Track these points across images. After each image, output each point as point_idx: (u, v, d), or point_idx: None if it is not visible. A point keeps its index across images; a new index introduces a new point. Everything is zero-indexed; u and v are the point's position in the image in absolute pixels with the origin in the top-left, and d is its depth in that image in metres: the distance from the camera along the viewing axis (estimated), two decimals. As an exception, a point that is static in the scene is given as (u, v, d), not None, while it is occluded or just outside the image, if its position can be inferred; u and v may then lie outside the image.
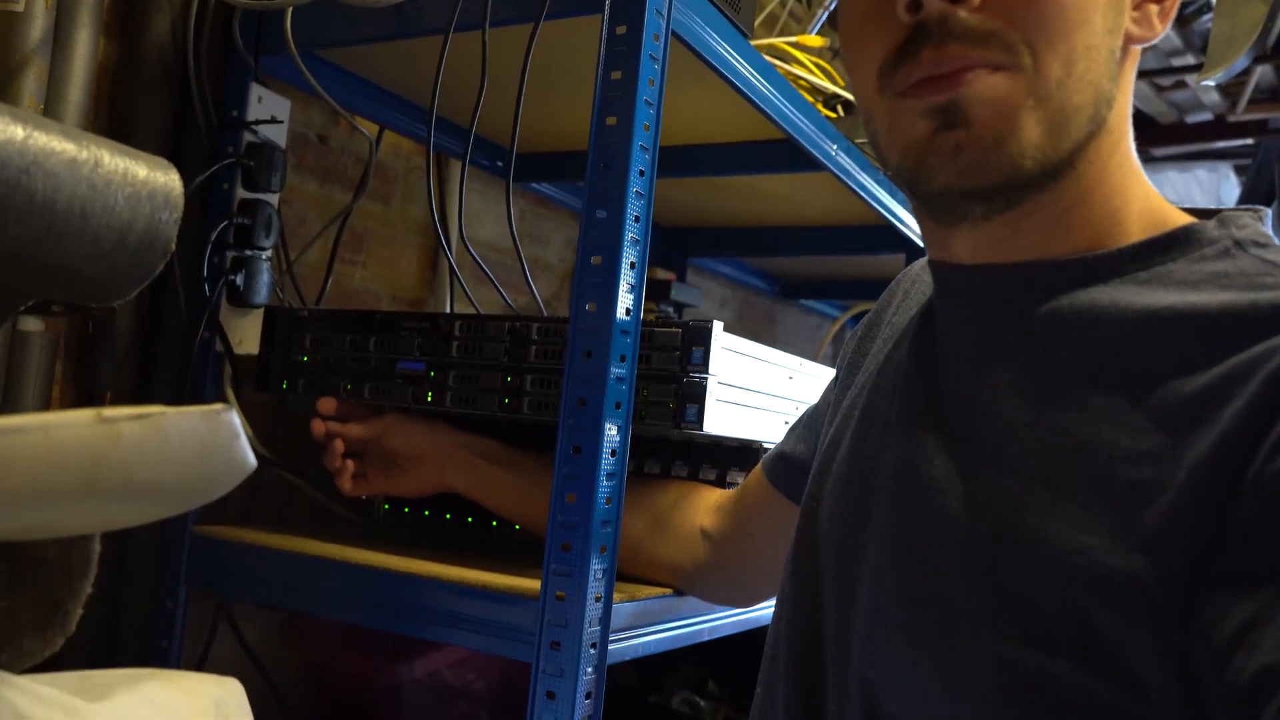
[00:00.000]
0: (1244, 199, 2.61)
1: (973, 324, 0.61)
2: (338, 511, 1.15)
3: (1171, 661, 0.46)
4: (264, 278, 1.03)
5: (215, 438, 0.49)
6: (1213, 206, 0.57)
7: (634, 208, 0.80)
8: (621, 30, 0.81)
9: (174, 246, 0.56)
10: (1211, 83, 1.46)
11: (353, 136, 1.28)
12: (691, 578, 0.89)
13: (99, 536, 0.52)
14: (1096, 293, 0.55)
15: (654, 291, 1.76)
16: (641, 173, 0.81)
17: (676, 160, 1.34)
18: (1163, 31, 0.58)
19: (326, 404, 0.98)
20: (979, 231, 0.59)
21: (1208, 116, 2.46)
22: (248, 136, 1.02)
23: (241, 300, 1.02)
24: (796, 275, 2.18)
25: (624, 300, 0.79)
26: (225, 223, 0.99)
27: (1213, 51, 1.38)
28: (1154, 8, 0.58)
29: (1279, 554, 0.44)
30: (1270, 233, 0.57)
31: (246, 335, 1.05)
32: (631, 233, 0.80)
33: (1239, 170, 2.80)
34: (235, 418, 0.50)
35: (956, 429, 0.58)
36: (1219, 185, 2.82)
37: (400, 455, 0.97)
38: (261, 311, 1.05)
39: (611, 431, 0.78)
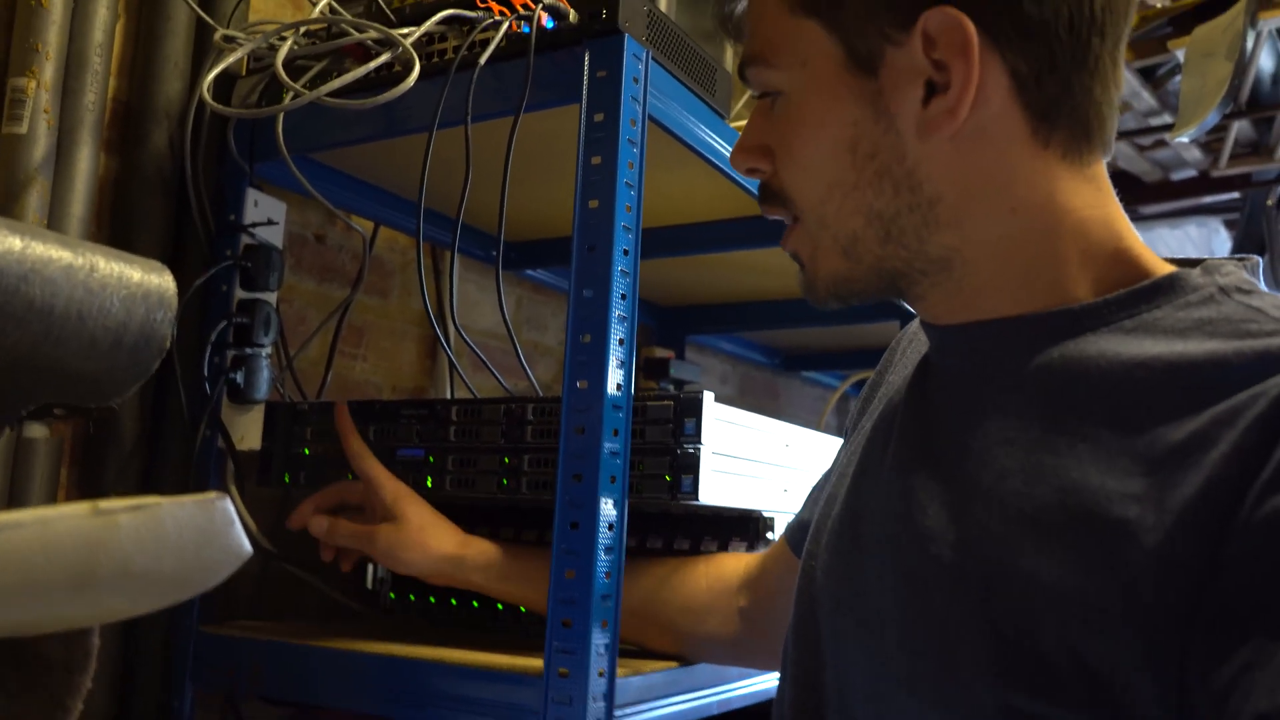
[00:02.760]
0: (1235, 252, 2.63)
1: (966, 376, 0.62)
2: (344, 603, 1.16)
3: (1171, 704, 0.46)
4: (264, 374, 1.05)
5: (211, 525, 0.51)
6: (1245, 273, 0.58)
7: (620, 286, 0.82)
8: (599, 118, 0.84)
9: (169, 345, 0.58)
10: (1185, 139, 1.50)
11: (349, 235, 1.31)
12: (737, 651, 0.91)
13: (98, 630, 0.53)
14: (1085, 343, 0.56)
15: (653, 370, 1.77)
16: (626, 252, 0.83)
17: (666, 240, 1.37)
18: (959, 118, 0.56)
19: (342, 411, 0.97)
20: (933, 302, 0.63)
21: (1192, 173, 2.49)
22: (245, 239, 1.06)
23: (242, 397, 1.04)
24: (796, 347, 2.19)
25: (614, 376, 0.80)
26: (225, 323, 1.02)
27: (1184, 109, 1.42)
28: (939, 102, 0.56)
29: (1269, 598, 0.44)
30: (1256, 280, 0.58)
31: (248, 431, 1.06)
32: (618, 310, 0.82)
33: (1228, 225, 2.83)
34: (229, 505, 0.52)
35: (949, 477, 0.58)
36: (1210, 240, 2.85)
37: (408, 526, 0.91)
38: (262, 407, 1.07)
39: (607, 506, 0.79)
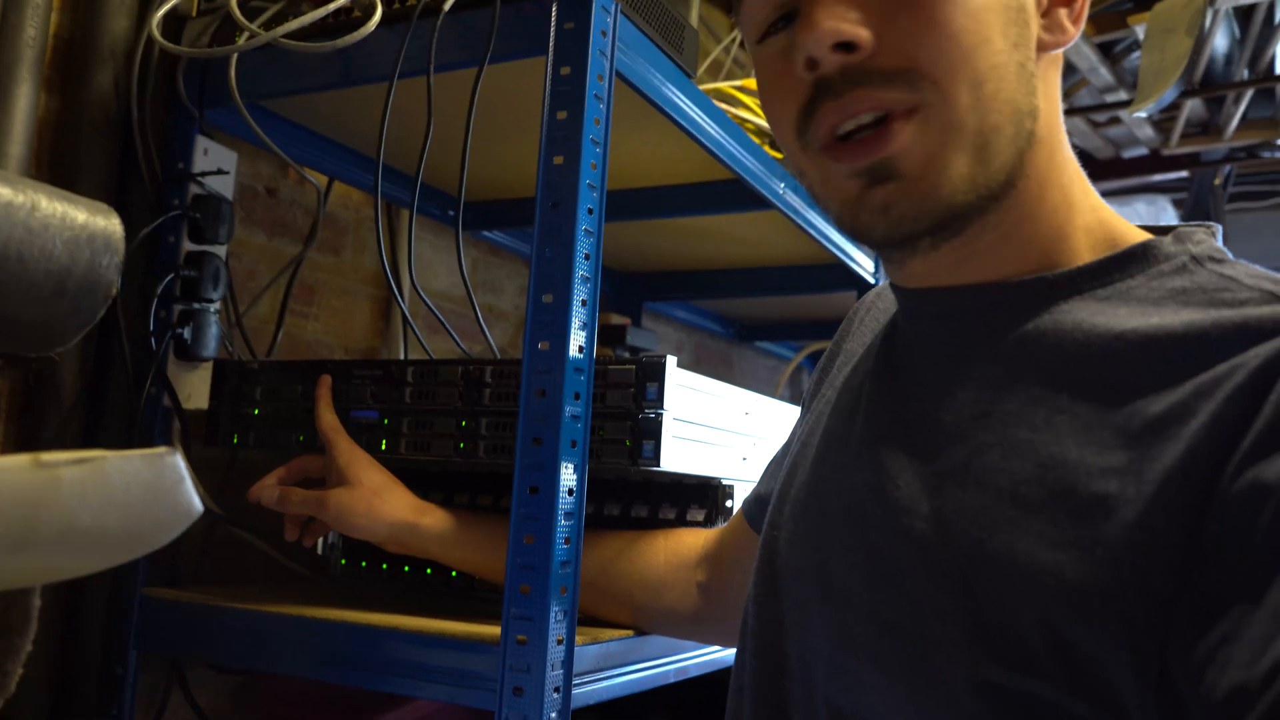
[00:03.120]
0: (1183, 230, 2.67)
1: (937, 344, 0.61)
2: (293, 568, 1.13)
3: (1150, 680, 0.45)
4: (212, 331, 1.02)
5: (160, 481, 0.48)
6: (1216, 240, 0.58)
7: (583, 245, 0.80)
8: (566, 71, 0.82)
9: (115, 291, 0.55)
10: (1143, 114, 1.50)
11: (302, 188, 1.27)
12: (694, 626, 0.89)
13: (39, 591, 0.51)
14: (1060, 313, 0.55)
15: (608, 337, 1.76)
16: (590, 210, 0.81)
17: (628, 203, 1.35)
18: (1076, 34, 0.58)
19: (324, 381, 0.95)
20: (931, 259, 0.60)
21: (1143, 151, 2.52)
22: (194, 189, 1.02)
23: (189, 354, 1.00)
24: (752, 317, 2.19)
25: (576, 338, 0.79)
26: (172, 275, 0.98)
27: (1142, 85, 1.42)
28: (1063, 11, 0.58)
29: (1248, 569, 0.44)
30: (1222, 246, 0.57)
31: (195, 390, 1.03)
32: (582, 270, 0.80)
33: (1176, 203, 2.87)
34: (179, 460, 0.49)
35: (922, 449, 0.57)
36: (1158, 218, 2.89)
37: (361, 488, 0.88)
38: (210, 365, 1.03)
39: (568, 471, 0.77)
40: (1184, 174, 2.63)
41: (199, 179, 1.01)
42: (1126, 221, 0.60)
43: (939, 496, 0.55)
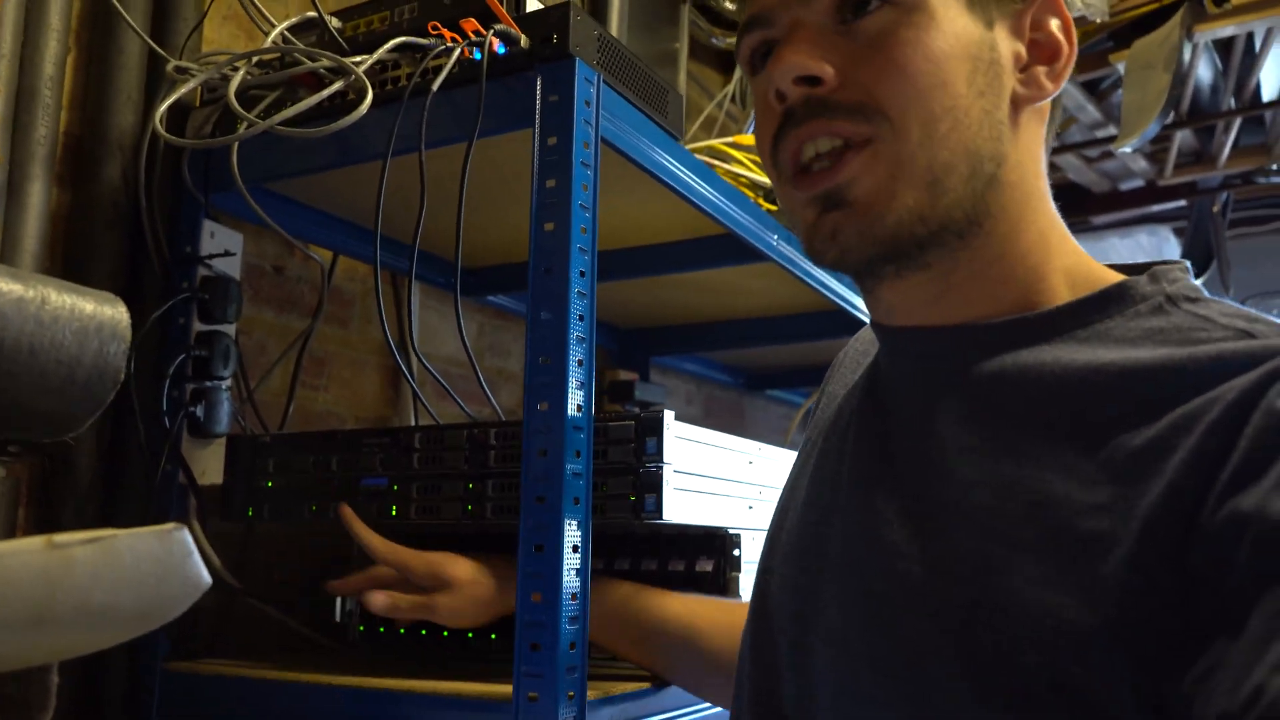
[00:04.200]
0: (1184, 257, 2.69)
1: (919, 383, 0.62)
2: (312, 637, 1.14)
3: (1150, 714, 0.46)
4: (224, 407, 1.05)
5: (169, 556, 0.50)
6: (1190, 278, 0.59)
7: (577, 307, 0.82)
8: (552, 141, 0.85)
9: (123, 377, 0.58)
10: (1129, 149, 1.53)
11: (307, 265, 1.30)
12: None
13: (56, 668, 0.52)
14: (1040, 351, 0.56)
15: (617, 393, 1.78)
16: (582, 273, 0.84)
17: (625, 262, 1.38)
18: (1055, 90, 0.61)
19: (345, 510, 0.94)
20: (905, 290, 0.61)
21: (1139, 183, 2.55)
22: (202, 271, 1.05)
23: (203, 431, 1.03)
24: (760, 367, 2.21)
25: (574, 397, 0.81)
26: (183, 355, 1.01)
27: (1126, 121, 1.45)
28: (1041, 69, 0.60)
29: (1229, 599, 0.44)
30: (1199, 284, 0.59)
31: (209, 465, 1.05)
32: (576, 331, 0.82)
33: (1177, 232, 2.89)
34: (187, 535, 0.51)
35: (911, 489, 0.58)
36: (1160, 248, 2.91)
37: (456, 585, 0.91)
38: (223, 441, 1.06)
39: (572, 527, 0.79)
40: (1183, 203, 2.65)
41: (206, 261, 1.05)
42: (1105, 266, 0.62)
43: (929, 537, 0.55)
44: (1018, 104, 0.59)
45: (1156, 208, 2.73)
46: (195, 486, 1.02)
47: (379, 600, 0.90)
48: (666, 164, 1.00)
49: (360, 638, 1.14)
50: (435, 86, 0.85)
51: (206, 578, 0.52)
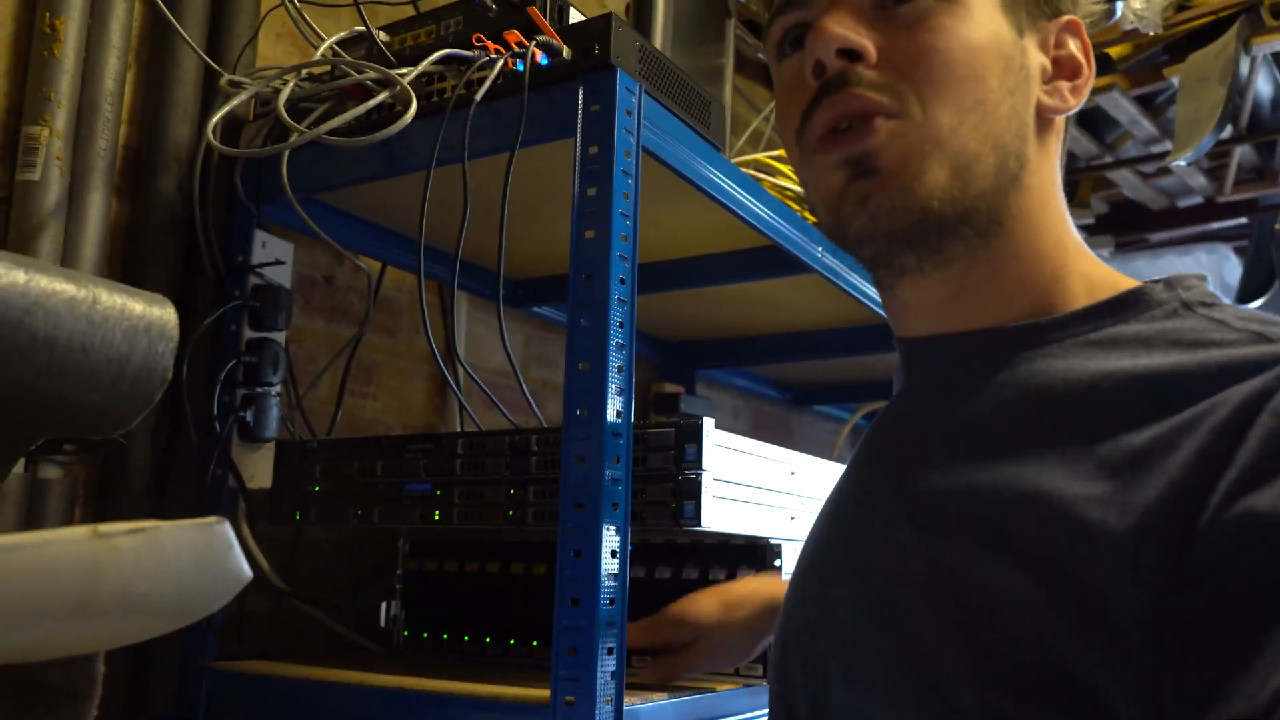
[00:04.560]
0: (1245, 277, 2.63)
1: (931, 393, 0.63)
2: (358, 641, 1.16)
3: (1149, 706, 0.45)
4: (273, 413, 1.07)
5: (209, 549, 0.52)
6: (1208, 286, 0.59)
7: (617, 315, 0.83)
8: (594, 150, 0.86)
9: (170, 376, 0.59)
10: (1183, 163, 1.50)
11: (357, 275, 1.33)
12: None
13: (102, 657, 0.54)
14: (1052, 359, 0.56)
15: (662, 405, 1.78)
16: (622, 280, 0.84)
17: (668, 274, 1.39)
18: (1076, 105, 0.62)
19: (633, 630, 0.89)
20: (924, 289, 0.62)
21: (1198, 199, 2.50)
22: (253, 280, 1.07)
23: (252, 436, 1.05)
24: (808, 381, 2.20)
25: (613, 404, 0.81)
26: (234, 361, 1.03)
27: (1180, 134, 1.43)
28: (1065, 84, 0.62)
29: (1236, 603, 0.44)
30: (1215, 291, 0.59)
31: (258, 470, 1.07)
32: (616, 339, 0.83)
33: (1238, 251, 2.83)
34: (228, 529, 0.53)
35: (920, 494, 0.58)
36: (1220, 266, 2.85)
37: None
38: (272, 446, 1.08)
39: (610, 533, 0.79)
40: (1243, 220, 2.60)
41: (258, 270, 1.07)
42: (1123, 276, 0.62)
43: (936, 539, 0.56)
44: (1041, 113, 0.61)
45: (1216, 225, 2.68)
46: (244, 490, 1.04)
47: (654, 677, 0.92)
48: (709, 175, 1.00)
49: (405, 642, 1.15)
50: (479, 97, 0.87)
51: (247, 571, 0.53)
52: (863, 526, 0.61)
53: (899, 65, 0.58)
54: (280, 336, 1.09)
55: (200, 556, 0.51)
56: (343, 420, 1.26)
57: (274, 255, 1.10)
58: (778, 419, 2.31)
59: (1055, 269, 0.60)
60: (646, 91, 0.90)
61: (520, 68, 0.89)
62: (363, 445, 1.04)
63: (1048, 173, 0.62)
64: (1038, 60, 0.61)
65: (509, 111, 0.90)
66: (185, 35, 1.04)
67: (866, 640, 0.58)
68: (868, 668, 0.57)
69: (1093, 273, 0.61)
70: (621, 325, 0.83)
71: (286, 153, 0.95)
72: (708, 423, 0.86)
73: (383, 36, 0.98)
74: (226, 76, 0.98)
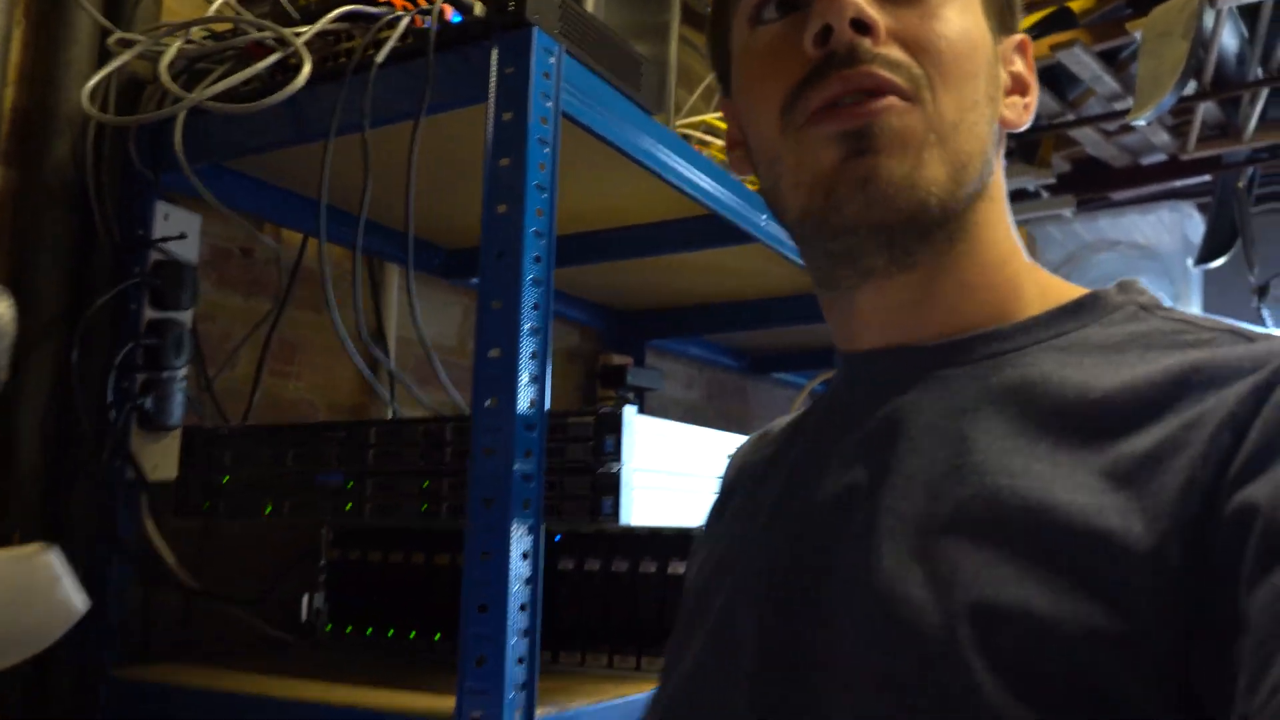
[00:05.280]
0: (1208, 235, 2.60)
1: (896, 405, 0.57)
2: (277, 636, 1.10)
3: (1179, 709, 0.44)
4: (177, 399, 1.00)
5: (32, 582, 0.46)
6: (1174, 249, 0.59)
7: (531, 296, 0.77)
8: (507, 116, 0.79)
9: (7, 375, 0.53)
10: (1143, 121, 1.45)
11: (282, 247, 1.25)
12: None
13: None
14: (1024, 366, 0.54)
15: (609, 378, 1.72)
16: (538, 259, 0.78)
17: (608, 243, 1.32)
18: (1027, 122, 0.62)
19: None
20: (885, 295, 0.57)
21: (1161, 157, 2.45)
22: (154, 255, 1.00)
23: (154, 424, 0.98)
24: (763, 349, 2.15)
25: (526, 393, 0.75)
26: (131, 345, 0.96)
27: (1141, 91, 1.37)
28: (1018, 98, 0.61)
29: (1240, 597, 0.42)
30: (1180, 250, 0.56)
31: (163, 460, 1.01)
32: (530, 322, 0.76)
33: (1201, 208, 2.79)
34: (55, 558, 0.46)
35: (900, 513, 0.54)
36: (1183, 224, 2.81)
37: None
38: (177, 434, 1.01)
39: (521, 532, 0.73)
40: (1207, 178, 2.55)
41: (159, 245, 1.00)
42: (1065, 282, 0.61)
43: (928, 558, 0.51)
44: (1001, 124, 0.60)
45: (1180, 183, 2.64)
46: (146, 482, 0.98)
47: None
48: (639, 141, 0.94)
49: (328, 637, 1.10)
50: (379, 59, 0.79)
51: (78, 604, 0.47)
52: (848, 562, 0.55)
53: (910, 46, 0.55)
54: (185, 316, 1.02)
55: (21, 591, 0.45)
56: (264, 402, 1.20)
57: (178, 228, 1.02)
58: (733, 387, 2.25)
59: (1012, 276, 0.59)
60: (568, 51, 0.83)
61: (431, 26, 0.82)
62: (274, 433, 0.98)
63: (1001, 182, 0.61)
64: (1003, 72, 0.61)
65: (420, 74, 0.83)
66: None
67: (865, 683, 0.52)
68: (874, 700, 0.52)
69: (1042, 279, 0.60)
70: (536, 308, 0.77)
71: (181, 119, 0.88)
72: (628, 411, 0.81)
73: (284, -9, 0.90)
74: (116, 34, 0.90)
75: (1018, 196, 2.74)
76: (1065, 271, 3.05)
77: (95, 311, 0.94)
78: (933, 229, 0.55)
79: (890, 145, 0.53)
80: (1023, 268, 0.60)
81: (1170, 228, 2.82)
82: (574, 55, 0.85)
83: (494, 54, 0.80)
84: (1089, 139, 2.29)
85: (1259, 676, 0.40)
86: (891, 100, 0.54)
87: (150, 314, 0.99)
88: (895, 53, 0.54)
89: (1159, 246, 2.86)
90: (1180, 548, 0.45)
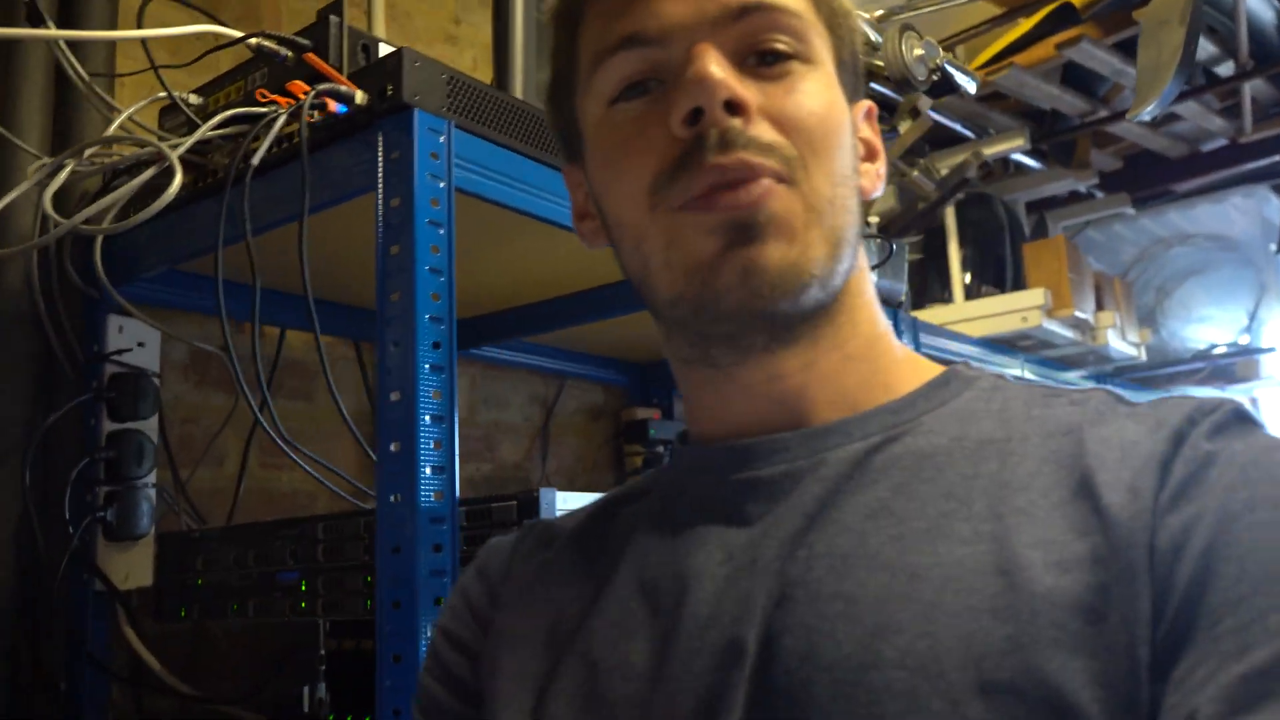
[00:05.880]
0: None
1: (796, 487, 0.52)
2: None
3: None
4: (142, 508, 1.01)
5: None
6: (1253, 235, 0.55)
7: (430, 384, 0.75)
8: (395, 203, 0.78)
9: None
10: (1145, 117, 1.36)
11: (260, 342, 1.26)
12: None
13: None
14: (932, 435, 0.53)
15: (632, 434, 1.69)
16: (436, 345, 0.76)
17: (600, 301, 1.30)
18: (880, 191, 0.60)
19: None
20: (766, 369, 0.54)
21: (1221, 142, 2.31)
22: (110, 369, 1.01)
23: (120, 534, 0.99)
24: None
25: (429, 485, 0.73)
26: (86, 460, 0.97)
27: (1140, 85, 1.29)
28: (870, 166, 0.60)
29: (1178, 615, 0.43)
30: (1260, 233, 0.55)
31: (135, 568, 1.01)
32: (430, 412, 0.74)
33: (1277, 190, 2.62)
34: None
35: (842, 592, 0.49)
36: (1261, 208, 2.63)
37: None
38: (148, 541, 1.02)
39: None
40: (1277, 158, 2.40)
41: (112, 358, 1.01)
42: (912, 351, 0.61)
43: (888, 635, 0.47)
44: (860, 194, 0.57)
45: (1250, 166, 2.48)
46: (117, 593, 0.98)
47: None
48: (554, 203, 0.91)
49: (326, 733, 1.08)
50: (256, 162, 0.78)
51: None
52: (772, 642, 0.50)
53: (782, 126, 0.52)
54: (146, 425, 1.03)
55: None
56: (258, 498, 1.20)
57: (134, 339, 1.03)
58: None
59: (886, 348, 0.57)
60: (460, 126, 0.82)
61: (321, 121, 0.81)
62: (236, 533, 0.98)
63: (864, 253, 0.59)
64: (854, 138, 0.58)
65: (327, 163, 0.82)
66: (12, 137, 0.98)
67: None
68: None
69: (903, 352, 0.59)
70: (437, 396, 0.75)
71: (99, 241, 0.89)
72: (546, 494, 0.77)
73: (193, 99, 0.91)
74: (38, 162, 0.91)
75: (1070, 200, 2.62)
76: (1139, 269, 2.88)
77: (48, 430, 0.95)
78: (813, 307, 0.53)
79: (773, 232, 0.51)
80: (891, 339, 0.58)
81: (1246, 213, 2.65)
82: (467, 129, 0.83)
83: (380, 140, 0.79)
84: (1134, 132, 2.17)
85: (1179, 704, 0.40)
86: (769, 184, 0.51)
87: (110, 426, 1.00)
88: (767, 133, 0.52)
89: (1237, 235, 2.69)
90: (1118, 592, 0.44)
